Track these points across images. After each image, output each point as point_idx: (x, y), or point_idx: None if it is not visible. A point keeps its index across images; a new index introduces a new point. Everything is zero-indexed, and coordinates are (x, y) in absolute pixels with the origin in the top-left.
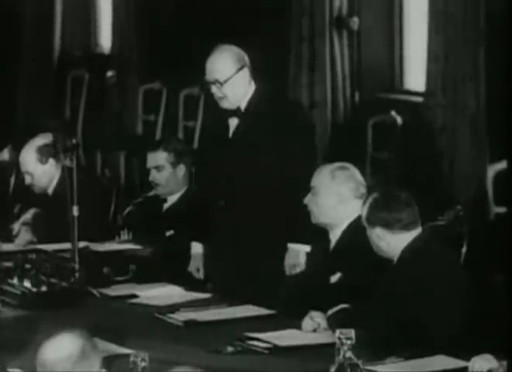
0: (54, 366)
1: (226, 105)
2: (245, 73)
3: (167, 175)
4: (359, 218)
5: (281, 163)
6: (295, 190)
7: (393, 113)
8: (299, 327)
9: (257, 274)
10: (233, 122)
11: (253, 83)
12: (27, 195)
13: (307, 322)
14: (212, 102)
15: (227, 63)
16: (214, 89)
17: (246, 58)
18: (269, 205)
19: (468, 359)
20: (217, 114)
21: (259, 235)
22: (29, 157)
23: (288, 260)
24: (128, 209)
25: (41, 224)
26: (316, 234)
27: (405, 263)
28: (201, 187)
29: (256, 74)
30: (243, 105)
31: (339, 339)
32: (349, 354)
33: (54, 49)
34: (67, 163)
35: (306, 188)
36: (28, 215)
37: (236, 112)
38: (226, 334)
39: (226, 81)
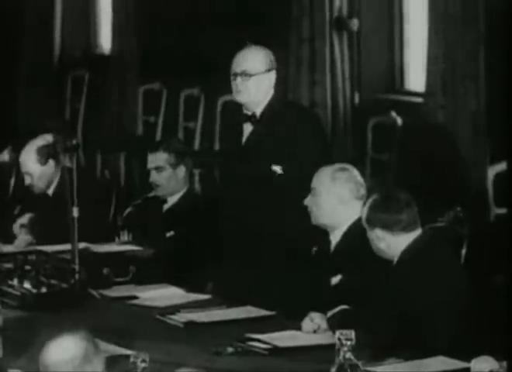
0: (57, 368)
1: (243, 99)
2: (272, 76)
3: (167, 176)
4: (359, 219)
5: (293, 172)
6: (304, 198)
7: (393, 114)
8: (299, 328)
9: (260, 276)
10: (248, 129)
11: (272, 91)
12: (27, 196)
13: (307, 323)
14: (229, 107)
15: (260, 59)
16: (238, 81)
17: (275, 63)
18: (277, 212)
19: (468, 360)
20: (233, 118)
21: (267, 241)
22: (28, 158)
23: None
24: (128, 210)
25: (38, 226)
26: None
27: (405, 264)
28: (209, 190)
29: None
30: (258, 112)
31: (339, 340)
32: (349, 355)
33: (54, 49)
34: (67, 163)
35: None
36: (24, 220)
37: (250, 118)
38: (226, 335)
39: (253, 75)
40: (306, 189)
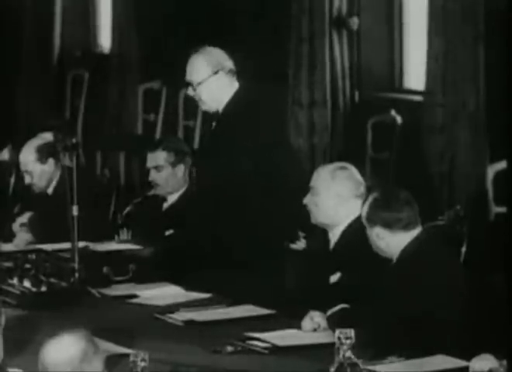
0: (56, 367)
1: (204, 107)
2: (220, 77)
3: (166, 175)
4: (359, 218)
5: (251, 166)
6: (269, 193)
7: (393, 112)
8: (298, 327)
9: (255, 273)
10: (214, 125)
11: (233, 86)
12: (27, 195)
13: (307, 322)
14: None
15: (201, 67)
16: (190, 90)
17: (225, 62)
18: (242, 211)
19: (468, 358)
20: (206, 116)
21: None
22: (28, 157)
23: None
24: (128, 209)
25: (38, 225)
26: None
27: (404, 263)
28: (197, 187)
29: (248, 76)
30: (221, 108)
31: (339, 338)
32: (349, 354)
33: (54, 48)
34: (67, 162)
35: (283, 192)
36: (24, 218)
37: (215, 116)
38: (225, 334)
39: (199, 84)
40: (263, 187)
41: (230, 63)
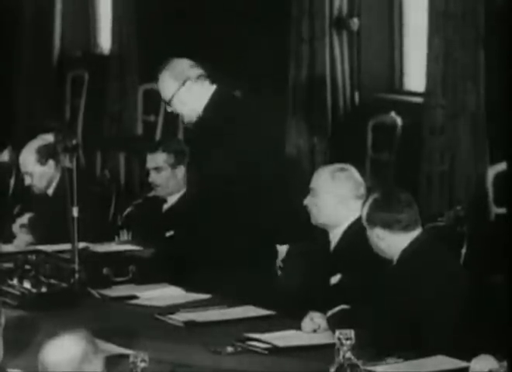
0: (56, 368)
1: (185, 119)
2: (190, 86)
3: (166, 176)
4: (359, 218)
5: (237, 167)
6: (259, 193)
7: (393, 114)
8: (298, 328)
9: (255, 274)
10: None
11: (207, 90)
12: (27, 196)
13: (307, 323)
14: None
15: (169, 82)
16: (168, 108)
17: (190, 70)
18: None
19: (468, 359)
20: None
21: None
22: (28, 158)
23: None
24: (128, 210)
25: (38, 226)
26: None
27: (405, 264)
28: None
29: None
30: (200, 113)
31: (339, 339)
32: (349, 354)
33: (54, 49)
34: (67, 163)
35: (279, 192)
36: (24, 219)
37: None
38: (225, 335)
39: (171, 99)
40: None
41: (195, 70)
